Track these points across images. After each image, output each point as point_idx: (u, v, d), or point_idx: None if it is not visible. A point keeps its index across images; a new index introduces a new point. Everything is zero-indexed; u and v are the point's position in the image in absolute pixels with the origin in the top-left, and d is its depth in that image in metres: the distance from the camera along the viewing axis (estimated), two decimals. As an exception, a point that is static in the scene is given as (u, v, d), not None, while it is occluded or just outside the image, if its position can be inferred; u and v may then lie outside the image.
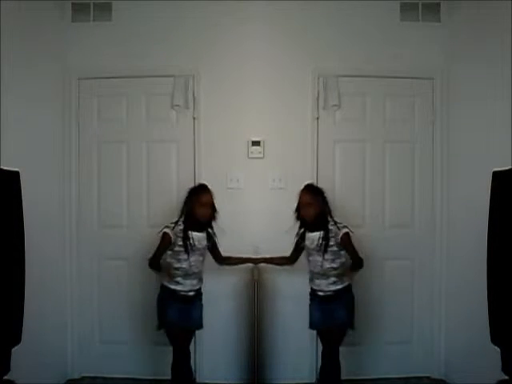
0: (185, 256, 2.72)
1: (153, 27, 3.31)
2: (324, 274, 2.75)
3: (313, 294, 2.83)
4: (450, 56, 3.30)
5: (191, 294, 2.77)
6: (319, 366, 2.91)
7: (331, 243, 2.72)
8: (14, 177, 2.24)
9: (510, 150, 2.56)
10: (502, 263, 2.19)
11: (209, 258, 2.90)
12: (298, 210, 2.82)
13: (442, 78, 3.33)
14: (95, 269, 3.38)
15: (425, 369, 3.38)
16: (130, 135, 3.37)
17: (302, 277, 2.93)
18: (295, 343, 3.27)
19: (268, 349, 3.23)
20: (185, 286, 2.75)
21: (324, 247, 2.72)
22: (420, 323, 3.39)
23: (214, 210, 2.80)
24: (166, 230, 2.73)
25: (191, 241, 2.73)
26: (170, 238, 2.71)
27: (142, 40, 3.31)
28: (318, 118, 3.32)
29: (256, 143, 3.26)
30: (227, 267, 2.97)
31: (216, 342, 3.26)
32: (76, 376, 3.37)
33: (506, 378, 2.24)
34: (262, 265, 3.01)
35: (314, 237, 2.76)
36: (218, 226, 2.85)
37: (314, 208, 2.76)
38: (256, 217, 3.22)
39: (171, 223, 2.76)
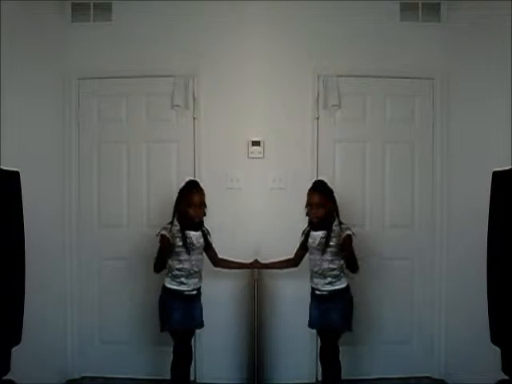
0: (186, 256, 2.72)
1: (153, 27, 3.31)
2: (322, 274, 2.75)
3: (312, 292, 2.83)
4: (450, 56, 3.29)
5: (194, 292, 2.78)
6: (319, 366, 2.91)
7: (332, 243, 2.71)
8: (14, 177, 2.24)
9: (510, 150, 2.57)
10: (501, 263, 2.19)
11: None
12: (307, 207, 2.79)
13: (441, 78, 3.32)
14: (95, 269, 3.38)
15: (425, 369, 3.38)
16: (130, 135, 3.37)
17: (302, 277, 2.92)
18: (295, 343, 3.27)
19: (268, 349, 3.23)
20: (189, 286, 2.75)
21: (323, 247, 2.71)
22: (420, 323, 3.39)
23: (205, 206, 2.78)
24: (164, 231, 2.71)
25: (190, 240, 2.73)
26: (169, 239, 2.69)
27: (141, 40, 3.31)
28: (317, 118, 3.32)
29: (256, 143, 3.25)
30: (223, 270, 2.97)
31: (216, 342, 3.26)
32: (76, 376, 3.37)
33: (506, 378, 2.24)
34: (263, 266, 3.01)
35: (316, 235, 2.76)
36: (217, 226, 2.85)
37: (322, 208, 2.74)
38: (256, 217, 3.22)
39: (167, 224, 2.75)
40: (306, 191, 2.82)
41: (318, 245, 2.74)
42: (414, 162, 3.38)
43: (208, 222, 2.88)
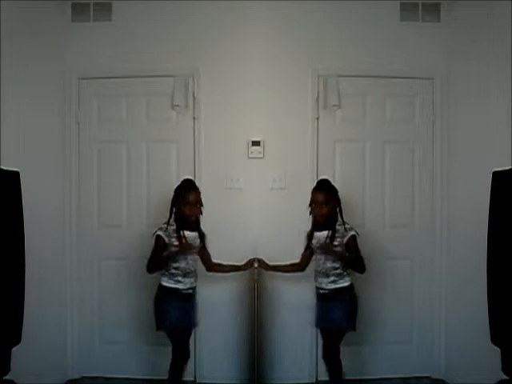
0: (182, 255, 2.73)
1: (153, 27, 3.31)
2: (325, 273, 2.75)
3: (316, 292, 2.83)
4: (450, 56, 3.30)
5: (190, 291, 2.79)
6: (319, 366, 2.91)
7: (335, 243, 2.72)
8: (14, 177, 2.24)
9: (510, 150, 2.57)
10: (502, 263, 2.19)
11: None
12: (310, 206, 2.79)
13: (441, 78, 3.33)
14: (95, 269, 3.38)
15: (425, 369, 3.38)
16: (130, 135, 3.37)
17: (302, 277, 2.93)
18: (295, 343, 3.27)
19: (268, 349, 3.23)
20: (185, 284, 2.75)
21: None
22: (420, 323, 3.39)
23: (201, 205, 2.78)
24: (159, 232, 2.72)
25: (186, 240, 2.73)
26: (164, 240, 2.70)
27: (141, 40, 3.31)
28: (318, 118, 3.32)
29: (256, 143, 3.25)
30: (218, 274, 2.97)
31: (216, 342, 3.26)
32: (76, 376, 3.37)
33: (506, 378, 2.24)
34: (262, 265, 3.01)
35: (320, 236, 2.76)
36: (217, 225, 2.85)
37: (326, 207, 2.74)
38: (256, 217, 3.22)
39: (163, 224, 2.76)
40: (306, 191, 2.82)
41: (321, 244, 2.74)
42: (413, 161, 3.38)
43: (207, 222, 2.89)
